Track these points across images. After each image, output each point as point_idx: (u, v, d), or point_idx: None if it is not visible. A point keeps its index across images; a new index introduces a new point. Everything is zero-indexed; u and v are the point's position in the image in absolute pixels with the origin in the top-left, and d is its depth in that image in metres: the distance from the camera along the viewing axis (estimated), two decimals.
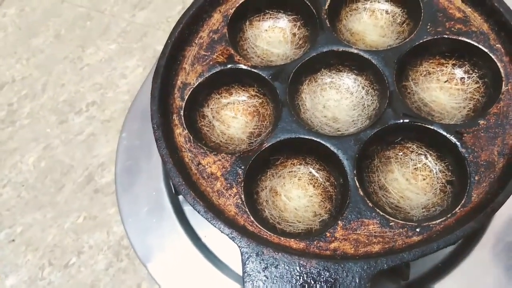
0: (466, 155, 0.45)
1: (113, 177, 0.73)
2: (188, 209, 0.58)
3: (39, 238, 0.75)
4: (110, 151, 0.81)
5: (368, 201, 0.44)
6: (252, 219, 0.44)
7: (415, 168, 0.48)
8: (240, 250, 0.40)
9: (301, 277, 0.39)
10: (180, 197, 0.58)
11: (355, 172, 0.45)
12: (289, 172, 0.49)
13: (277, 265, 0.40)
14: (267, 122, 0.52)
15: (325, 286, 0.38)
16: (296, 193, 0.48)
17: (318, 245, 0.42)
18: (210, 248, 0.55)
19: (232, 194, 0.45)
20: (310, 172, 0.49)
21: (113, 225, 0.74)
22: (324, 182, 0.48)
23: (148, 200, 0.59)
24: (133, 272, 0.70)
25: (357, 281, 0.38)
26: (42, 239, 0.75)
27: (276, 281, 0.39)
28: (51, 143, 0.82)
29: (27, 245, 0.75)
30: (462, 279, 0.51)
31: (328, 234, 0.42)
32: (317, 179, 0.49)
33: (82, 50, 0.92)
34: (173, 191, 0.57)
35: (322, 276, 0.39)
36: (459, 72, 0.52)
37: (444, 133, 0.46)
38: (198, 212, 0.42)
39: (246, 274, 0.40)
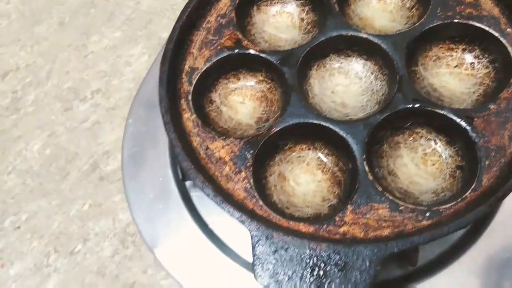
0: (476, 139, 0.45)
1: (118, 165, 0.73)
2: (195, 195, 0.58)
3: (45, 225, 0.75)
4: (115, 139, 0.81)
5: (377, 186, 0.43)
6: (261, 203, 0.44)
7: (424, 153, 0.48)
8: (250, 233, 0.40)
9: (311, 260, 0.39)
10: (187, 183, 0.58)
11: (364, 156, 0.45)
12: (298, 157, 0.49)
13: (287, 248, 0.39)
14: (275, 108, 0.52)
15: (335, 268, 0.38)
16: (305, 178, 0.48)
17: (328, 229, 0.42)
18: (217, 234, 0.55)
19: (241, 179, 0.45)
20: (319, 157, 0.49)
21: (118, 213, 0.74)
22: (333, 167, 0.48)
23: (155, 186, 0.58)
24: (139, 259, 0.70)
25: (367, 264, 0.38)
26: (48, 226, 0.75)
27: (286, 264, 0.39)
28: (56, 131, 0.82)
29: (32, 233, 0.75)
30: (469, 266, 0.50)
31: (337, 218, 0.42)
32: (325, 164, 0.49)
33: (86, 38, 0.91)
34: (180, 177, 0.57)
35: (332, 259, 0.39)
36: (469, 57, 0.51)
37: (454, 118, 0.45)
38: (208, 196, 0.42)
39: (256, 257, 0.39)
